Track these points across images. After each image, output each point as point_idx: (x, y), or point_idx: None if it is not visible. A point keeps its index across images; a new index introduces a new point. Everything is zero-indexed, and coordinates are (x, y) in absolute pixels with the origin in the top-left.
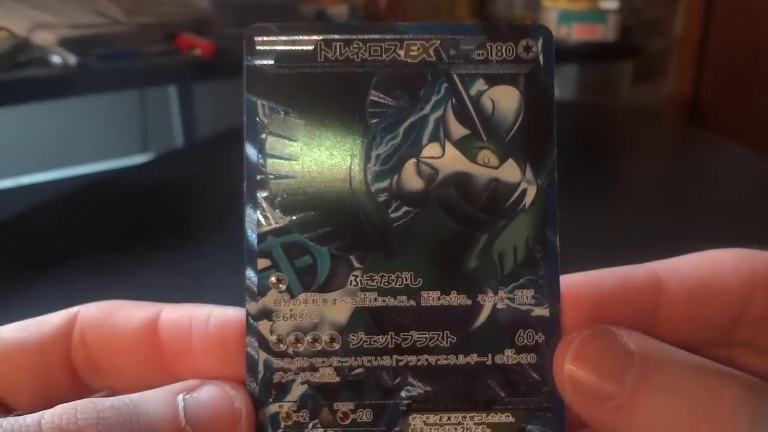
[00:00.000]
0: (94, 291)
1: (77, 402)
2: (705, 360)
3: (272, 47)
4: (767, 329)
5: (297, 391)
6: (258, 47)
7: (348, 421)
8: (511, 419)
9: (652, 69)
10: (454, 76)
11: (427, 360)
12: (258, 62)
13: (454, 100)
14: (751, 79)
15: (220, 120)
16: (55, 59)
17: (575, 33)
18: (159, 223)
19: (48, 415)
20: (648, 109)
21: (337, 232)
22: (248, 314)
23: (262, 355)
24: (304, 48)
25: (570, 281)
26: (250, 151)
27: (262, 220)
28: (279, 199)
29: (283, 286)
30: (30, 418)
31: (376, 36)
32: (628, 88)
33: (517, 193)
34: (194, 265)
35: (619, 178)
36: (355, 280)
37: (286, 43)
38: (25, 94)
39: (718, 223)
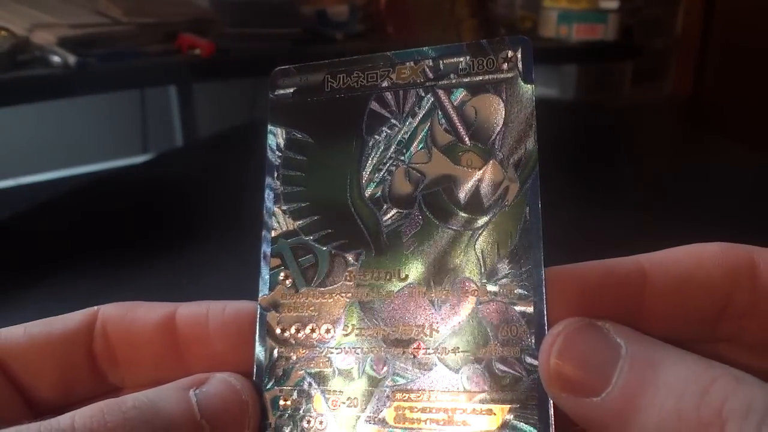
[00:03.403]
0: (94, 290)
1: (101, 403)
2: (692, 354)
3: (290, 83)
4: (751, 323)
5: (295, 377)
6: (279, 84)
7: (338, 407)
8: (495, 413)
9: (652, 69)
10: (439, 91)
11: (413, 351)
12: (278, 97)
13: (439, 112)
14: (751, 79)
15: (220, 120)
16: (55, 59)
17: (575, 33)
18: (159, 223)
19: (78, 417)
20: (648, 109)
21: (336, 233)
22: (260, 306)
23: (269, 344)
24: (315, 81)
25: (555, 273)
26: (269, 167)
27: (276, 225)
28: (289, 207)
29: (289, 282)
30: (63, 421)
31: (372, 64)
32: (628, 88)
33: (499, 191)
34: (194, 264)
35: (618, 178)
36: (350, 276)
37: (301, 79)
38: (25, 94)
39: (717, 222)
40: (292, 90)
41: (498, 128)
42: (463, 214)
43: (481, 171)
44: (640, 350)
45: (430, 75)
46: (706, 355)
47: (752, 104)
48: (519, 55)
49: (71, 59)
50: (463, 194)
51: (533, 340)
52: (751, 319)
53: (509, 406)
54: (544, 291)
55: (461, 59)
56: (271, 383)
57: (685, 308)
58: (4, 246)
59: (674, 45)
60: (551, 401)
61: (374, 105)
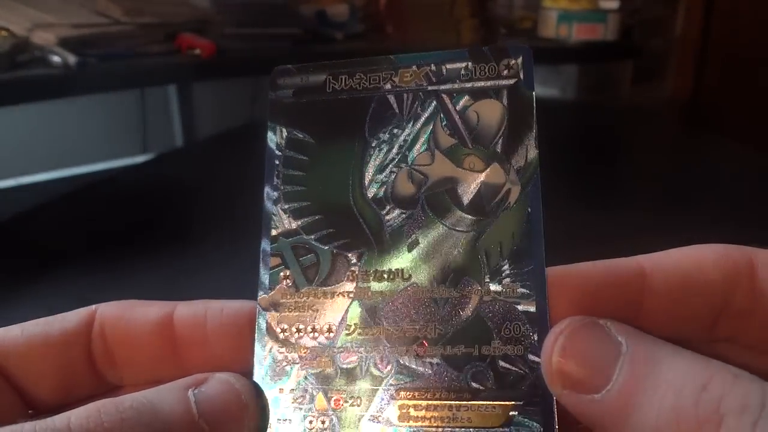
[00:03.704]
0: (93, 290)
1: (98, 403)
2: (691, 352)
3: (290, 83)
4: (748, 324)
5: (296, 377)
6: (279, 84)
7: (341, 407)
8: (498, 410)
9: (652, 69)
10: (443, 95)
11: (416, 350)
12: (278, 96)
13: (442, 115)
14: (751, 80)
15: (220, 120)
16: (55, 59)
17: (575, 33)
18: (159, 223)
19: (75, 417)
20: (648, 109)
21: (338, 233)
22: (259, 306)
23: (269, 343)
24: (316, 81)
25: (557, 273)
26: (268, 167)
27: (276, 224)
28: (290, 205)
29: (290, 282)
30: (59, 421)
31: (375, 67)
32: (628, 88)
33: (501, 193)
34: (194, 265)
35: (618, 178)
36: (352, 275)
37: (301, 79)
38: (25, 94)
39: (717, 222)
40: (292, 89)
41: (499, 132)
42: (466, 216)
43: (484, 174)
44: (640, 348)
45: (433, 79)
46: (705, 355)
47: (752, 104)
48: (520, 63)
49: (71, 59)
50: (465, 196)
51: (536, 339)
52: (749, 319)
53: (513, 403)
54: (546, 290)
55: (463, 65)
56: (271, 383)
57: (684, 309)
58: (4, 246)
59: (674, 45)
60: (554, 398)
61: (377, 107)
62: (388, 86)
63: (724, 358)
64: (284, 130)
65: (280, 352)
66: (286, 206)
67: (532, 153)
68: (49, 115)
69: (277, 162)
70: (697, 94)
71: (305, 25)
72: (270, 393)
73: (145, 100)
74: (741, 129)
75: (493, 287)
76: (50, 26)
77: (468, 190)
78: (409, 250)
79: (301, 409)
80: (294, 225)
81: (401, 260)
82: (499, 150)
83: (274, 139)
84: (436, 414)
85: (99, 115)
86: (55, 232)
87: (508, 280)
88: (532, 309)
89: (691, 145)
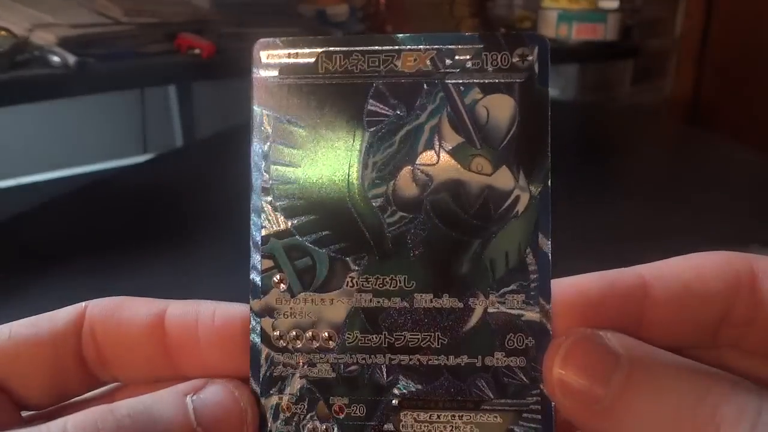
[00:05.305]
0: (93, 291)
1: (95, 409)
2: (690, 361)
3: (277, 60)
4: (751, 330)
5: (296, 384)
6: (264, 60)
7: (342, 415)
8: (499, 420)
9: (652, 69)
10: (450, 86)
11: (418, 359)
12: (263, 74)
13: (449, 109)
14: (751, 79)
15: (219, 120)
16: (55, 59)
17: (575, 33)
18: (158, 223)
19: (71, 424)
20: (648, 109)
21: (335, 235)
22: (252, 311)
23: (265, 350)
24: (306, 60)
25: (558, 286)
26: (255, 158)
27: (266, 223)
28: (281, 203)
29: (284, 286)
30: (54, 427)
31: (374, 47)
32: (628, 88)
33: (509, 200)
34: (194, 265)
35: (618, 178)
36: (351, 281)
37: (289, 55)
38: (25, 94)
39: (717, 222)
40: (278, 67)
41: (510, 132)
42: (472, 222)
43: (492, 177)
44: (638, 358)
45: (439, 66)
46: (708, 362)
47: (752, 104)
48: (535, 55)
49: (71, 59)
50: (472, 201)
51: (539, 350)
52: (751, 326)
53: (514, 413)
54: (551, 302)
55: (474, 50)
56: (269, 390)
57: (685, 318)
58: (4, 246)
59: (674, 45)
60: (554, 409)
61: (377, 94)
62: (389, 70)
63: (727, 365)
64: (271, 116)
65: (278, 359)
66: (277, 204)
67: (544, 157)
68: (49, 115)
69: (263, 153)
70: (697, 94)
71: (305, 25)
72: (269, 400)
73: (145, 100)
74: (741, 129)
75: (498, 298)
76: (50, 26)
77: (475, 195)
78: (412, 257)
79: (301, 416)
80: (286, 225)
81: (403, 267)
82: (508, 152)
83: (259, 126)
84: (438, 424)
85: (99, 115)
86: (55, 232)
87: (513, 291)
88: (537, 320)
89: (690, 145)
